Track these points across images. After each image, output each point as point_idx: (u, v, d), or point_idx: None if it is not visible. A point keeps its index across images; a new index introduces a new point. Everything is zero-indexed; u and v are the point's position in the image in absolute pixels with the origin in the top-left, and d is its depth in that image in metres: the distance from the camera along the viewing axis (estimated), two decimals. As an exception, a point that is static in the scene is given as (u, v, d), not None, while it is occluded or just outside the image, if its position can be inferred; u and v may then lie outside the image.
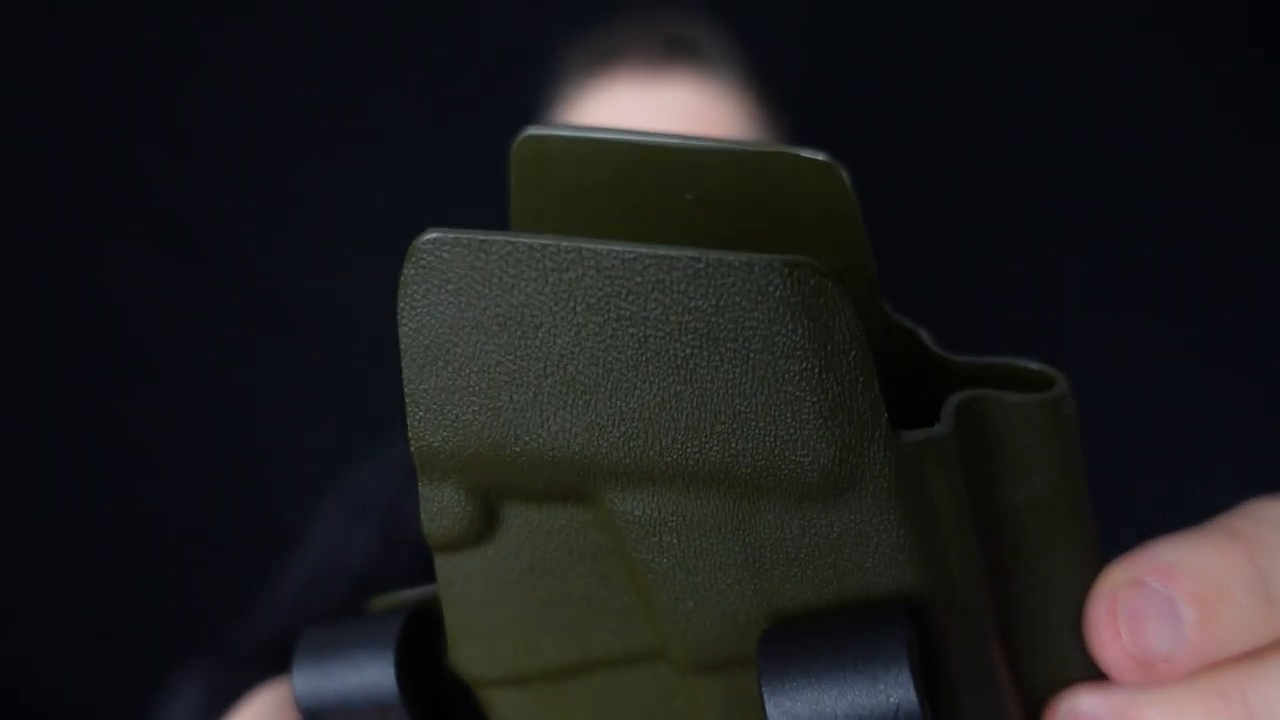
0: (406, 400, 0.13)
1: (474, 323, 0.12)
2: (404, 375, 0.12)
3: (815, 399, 0.11)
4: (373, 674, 0.14)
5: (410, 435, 0.13)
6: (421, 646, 0.14)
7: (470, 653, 0.14)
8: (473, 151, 0.75)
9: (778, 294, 0.11)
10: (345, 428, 0.81)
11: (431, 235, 0.12)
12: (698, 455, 0.12)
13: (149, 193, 0.82)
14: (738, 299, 0.11)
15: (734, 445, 0.12)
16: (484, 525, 0.13)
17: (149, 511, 0.87)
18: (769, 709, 0.11)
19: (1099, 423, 0.80)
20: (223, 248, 0.82)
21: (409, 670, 0.14)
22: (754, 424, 0.11)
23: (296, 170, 0.82)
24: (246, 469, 0.85)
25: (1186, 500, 0.78)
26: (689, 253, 0.11)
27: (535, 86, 0.60)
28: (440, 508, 0.13)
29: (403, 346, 0.12)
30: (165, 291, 0.82)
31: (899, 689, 0.11)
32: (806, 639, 0.12)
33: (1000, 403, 0.12)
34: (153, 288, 0.82)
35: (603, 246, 0.11)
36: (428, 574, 0.14)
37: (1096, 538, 0.13)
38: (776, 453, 0.12)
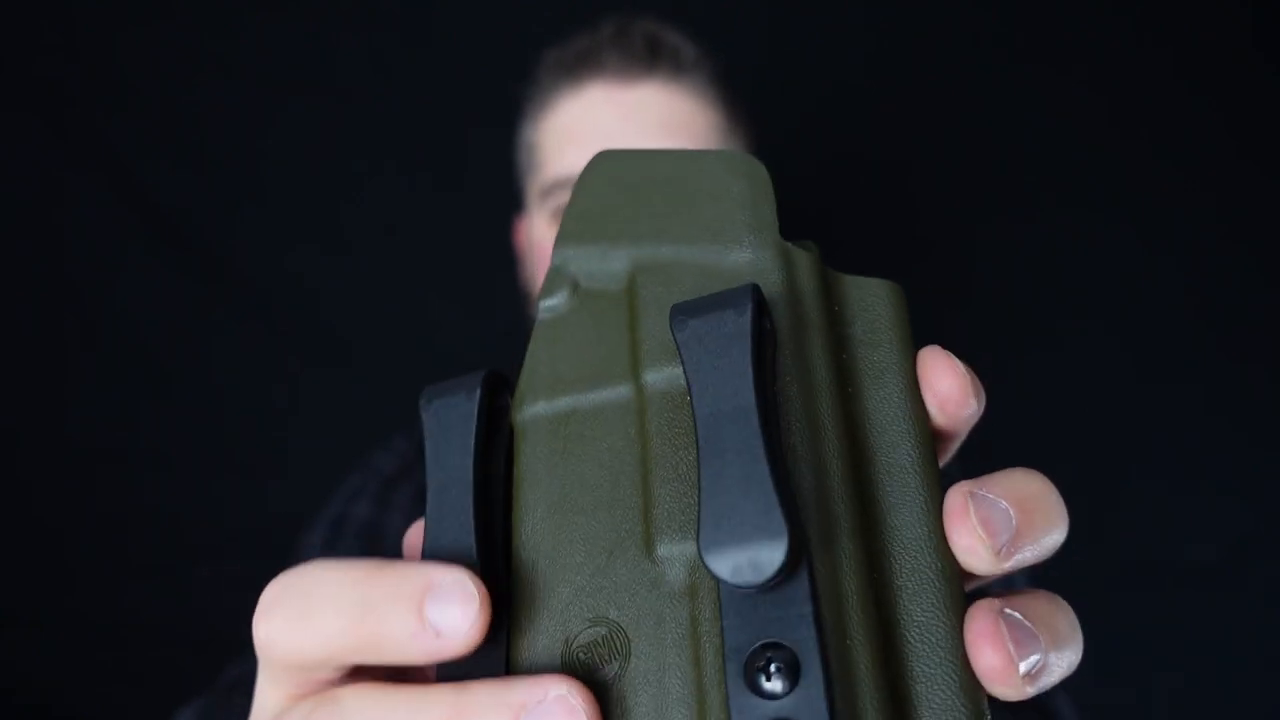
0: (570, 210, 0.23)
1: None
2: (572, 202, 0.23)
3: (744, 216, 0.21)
4: (465, 394, 0.20)
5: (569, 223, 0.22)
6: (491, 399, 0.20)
7: (531, 399, 0.21)
8: (472, 150, 0.75)
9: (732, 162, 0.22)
10: (348, 431, 0.82)
11: (602, 151, 0.23)
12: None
13: (156, 200, 0.82)
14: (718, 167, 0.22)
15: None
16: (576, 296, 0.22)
17: (152, 513, 0.88)
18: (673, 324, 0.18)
19: (1098, 422, 0.81)
20: (228, 255, 0.83)
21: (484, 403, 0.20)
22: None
23: (300, 176, 0.82)
24: (250, 472, 0.86)
25: (1174, 497, 0.79)
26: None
27: (519, 85, 0.62)
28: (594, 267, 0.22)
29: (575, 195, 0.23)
30: (171, 298, 0.83)
31: (743, 315, 0.17)
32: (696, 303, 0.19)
33: (859, 281, 0.20)
34: (158, 294, 0.83)
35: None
36: None
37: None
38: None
